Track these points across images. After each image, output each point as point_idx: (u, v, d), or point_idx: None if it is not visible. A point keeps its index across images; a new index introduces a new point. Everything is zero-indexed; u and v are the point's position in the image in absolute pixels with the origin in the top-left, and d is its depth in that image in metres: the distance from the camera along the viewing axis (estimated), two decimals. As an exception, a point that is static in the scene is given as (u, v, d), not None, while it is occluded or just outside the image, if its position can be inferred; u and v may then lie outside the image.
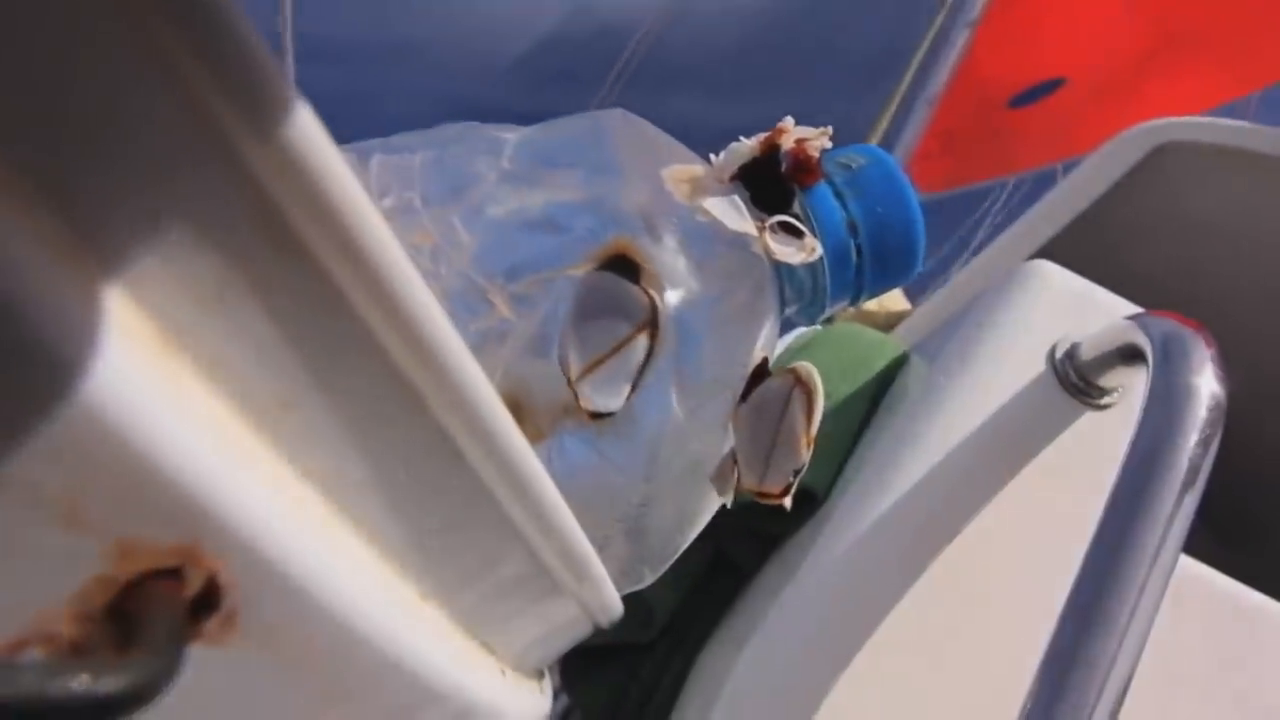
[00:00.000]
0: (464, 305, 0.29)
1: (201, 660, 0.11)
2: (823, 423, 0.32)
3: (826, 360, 0.45)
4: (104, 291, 0.10)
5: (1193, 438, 0.29)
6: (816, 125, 0.34)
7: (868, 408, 0.47)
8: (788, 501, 0.31)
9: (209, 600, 0.11)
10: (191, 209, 0.11)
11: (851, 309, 0.38)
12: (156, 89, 0.10)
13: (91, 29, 0.09)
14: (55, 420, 0.09)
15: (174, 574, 0.11)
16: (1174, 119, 0.69)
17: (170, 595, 0.11)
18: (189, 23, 0.10)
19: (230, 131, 0.10)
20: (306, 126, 0.11)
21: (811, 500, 0.42)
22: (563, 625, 0.21)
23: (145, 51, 0.09)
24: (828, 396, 0.33)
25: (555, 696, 0.23)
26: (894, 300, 1.08)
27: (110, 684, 0.10)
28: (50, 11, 0.09)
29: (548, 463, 0.29)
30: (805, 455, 0.31)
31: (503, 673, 0.18)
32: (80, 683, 0.09)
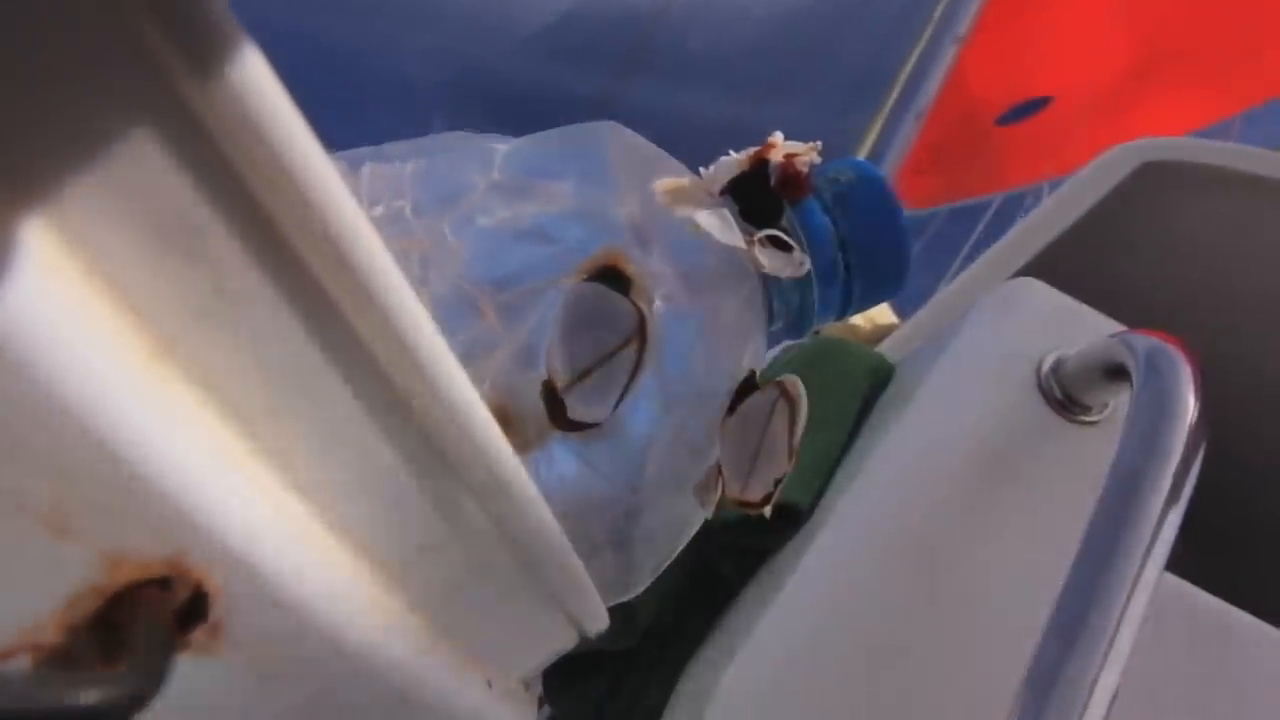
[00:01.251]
0: (453, 314, 0.29)
1: (188, 670, 0.11)
2: (808, 437, 0.32)
3: (813, 374, 0.45)
4: (92, 300, 0.10)
5: (1176, 455, 0.29)
6: (809, 139, 0.34)
7: (853, 422, 0.47)
8: (768, 510, 0.31)
9: (196, 610, 0.11)
10: (178, 217, 0.11)
11: (838, 322, 0.38)
12: (135, 80, 0.10)
13: None
14: (40, 428, 0.09)
15: (162, 584, 0.11)
16: (1159, 139, 0.70)
17: (158, 605, 0.11)
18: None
19: (216, 137, 0.10)
20: (297, 134, 0.11)
21: (795, 516, 0.42)
22: (549, 637, 0.21)
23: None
24: (813, 410, 0.33)
25: (539, 707, 0.23)
26: (881, 314, 1.08)
27: (97, 694, 0.09)
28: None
29: (536, 473, 0.29)
30: (787, 464, 0.31)
31: (489, 683, 0.18)
32: (67, 693, 0.09)
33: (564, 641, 0.21)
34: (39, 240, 0.10)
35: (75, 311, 0.10)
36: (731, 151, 0.34)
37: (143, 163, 0.10)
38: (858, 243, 0.34)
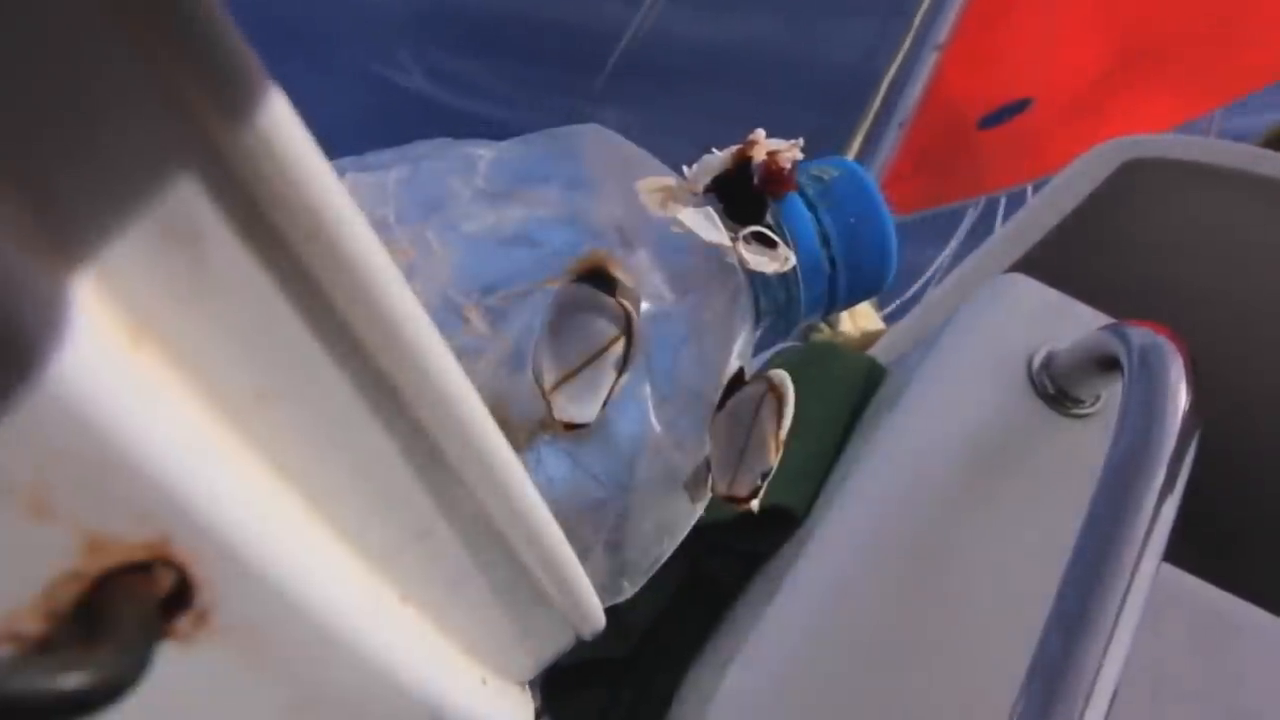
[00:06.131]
0: (440, 321, 0.29)
1: (173, 659, 0.11)
2: (801, 440, 0.32)
3: (804, 377, 0.45)
4: (72, 280, 0.10)
5: (1170, 443, 0.29)
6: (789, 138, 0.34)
7: (846, 424, 0.47)
8: (755, 504, 0.31)
9: (181, 597, 0.11)
10: (162, 198, 0.10)
11: (827, 330, 0.38)
12: (128, 70, 0.09)
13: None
14: (20, 407, 0.09)
15: (145, 570, 0.11)
16: (1143, 135, 0.70)
17: (141, 592, 0.10)
18: (164, 10, 0.09)
19: (202, 118, 0.10)
20: (280, 113, 0.10)
21: (790, 520, 0.42)
22: (546, 635, 0.21)
23: (118, 34, 0.09)
24: (805, 414, 0.33)
25: (537, 716, 0.23)
26: (869, 320, 1.08)
27: (76, 680, 0.09)
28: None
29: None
30: (773, 458, 0.31)
31: (484, 681, 0.18)
32: (46, 679, 0.09)
33: (561, 641, 0.21)
34: (20, 224, 0.09)
35: (59, 293, 0.09)
36: (714, 150, 0.34)
37: (139, 150, 0.10)
38: (842, 238, 0.34)
